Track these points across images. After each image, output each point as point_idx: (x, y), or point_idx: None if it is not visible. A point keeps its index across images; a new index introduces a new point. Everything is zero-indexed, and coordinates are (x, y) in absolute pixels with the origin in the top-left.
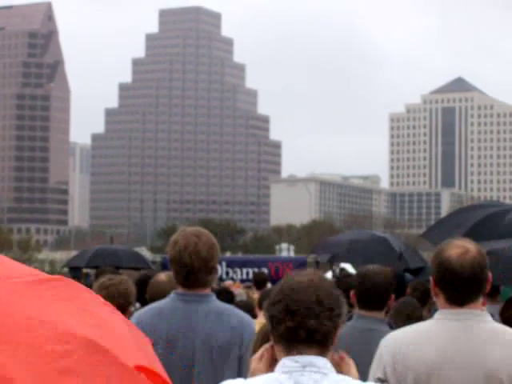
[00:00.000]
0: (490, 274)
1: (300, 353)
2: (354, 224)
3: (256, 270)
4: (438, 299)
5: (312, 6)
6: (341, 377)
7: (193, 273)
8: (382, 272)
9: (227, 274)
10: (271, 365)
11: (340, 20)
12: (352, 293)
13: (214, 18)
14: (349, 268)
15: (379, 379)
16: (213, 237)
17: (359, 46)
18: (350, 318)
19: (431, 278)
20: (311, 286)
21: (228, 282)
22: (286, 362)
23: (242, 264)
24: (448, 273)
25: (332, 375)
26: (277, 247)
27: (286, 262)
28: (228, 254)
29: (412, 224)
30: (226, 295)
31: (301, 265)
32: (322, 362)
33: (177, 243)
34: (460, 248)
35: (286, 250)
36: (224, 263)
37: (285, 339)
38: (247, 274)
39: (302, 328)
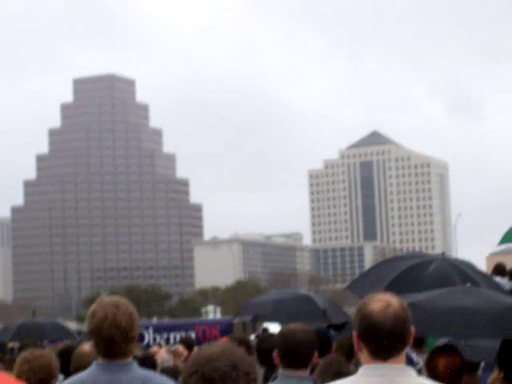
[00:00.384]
0: (412, 328)
1: None
2: (278, 282)
3: (183, 334)
4: (362, 354)
5: (223, 69)
6: None
7: (113, 344)
8: (304, 330)
9: (154, 339)
10: None
11: (250, 81)
12: (275, 352)
13: (129, 84)
14: (274, 328)
15: None
16: (131, 306)
17: (270, 106)
18: (274, 379)
19: (354, 333)
20: (225, 353)
21: (154, 348)
22: None
23: (169, 329)
24: (371, 327)
25: None
26: (203, 310)
27: (213, 325)
28: (155, 320)
29: (337, 279)
30: (148, 362)
31: (227, 327)
32: None
33: (95, 314)
34: (382, 302)
35: (212, 313)
36: (151, 329)
37: None
38: (175, 338)
39: None
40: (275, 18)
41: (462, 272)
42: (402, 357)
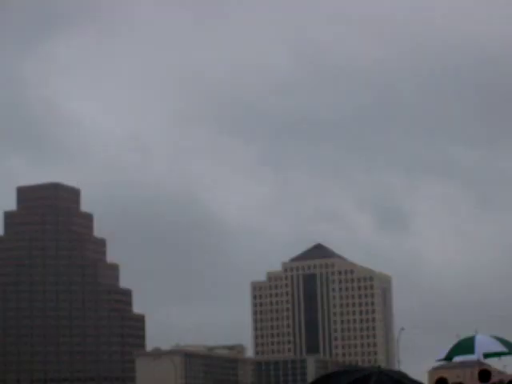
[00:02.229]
0: None
1: None
2: None
3: None
4: None
5: (157, 182)
6: None
7: None
8: None
9: None
10: None
11: (183, 193)
12: None
13: (73, 193)
14: None
15: None
16: None
17: (207, 218)
18: None
19: None
20: None
21: None
22: None
23: None
24: None
25: None
26: None
27: None
28: None
29: None
30: None
31: None
32: None
33: None
34: None
35: None
36: None
37: None
38: None
39: None
40: (201, 129)
41: (400, 383)
42: None
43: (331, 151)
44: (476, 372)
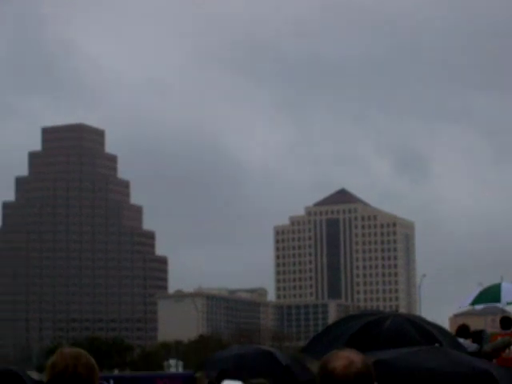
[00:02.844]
0: None
1: None
2: (242, 338)
3: None
4: None
5: (181, 125)
6: None
7: None
8: None
9: None
10: None
11: (207, 138)
12: None
13: (98, 135)
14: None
15: None
16: (92, 358)
17: (231, 163)
18: None
19: None
20: None
21: None
22: None
23: (131, 381)
24: None
25: None
26: (165, 363)
27: (174, 378)
28: (116, 372)
29: (300, 336)
30: None
31: (188, 381)
32: None
33: (55, 366)
34: (344, 359)
35: (174, 367)
36: (112, 381)
37: None
38: None
39: None
40: (219, 70)
41: (417, 325)
42: None
43: (351, 95)
44: (498, 319)
